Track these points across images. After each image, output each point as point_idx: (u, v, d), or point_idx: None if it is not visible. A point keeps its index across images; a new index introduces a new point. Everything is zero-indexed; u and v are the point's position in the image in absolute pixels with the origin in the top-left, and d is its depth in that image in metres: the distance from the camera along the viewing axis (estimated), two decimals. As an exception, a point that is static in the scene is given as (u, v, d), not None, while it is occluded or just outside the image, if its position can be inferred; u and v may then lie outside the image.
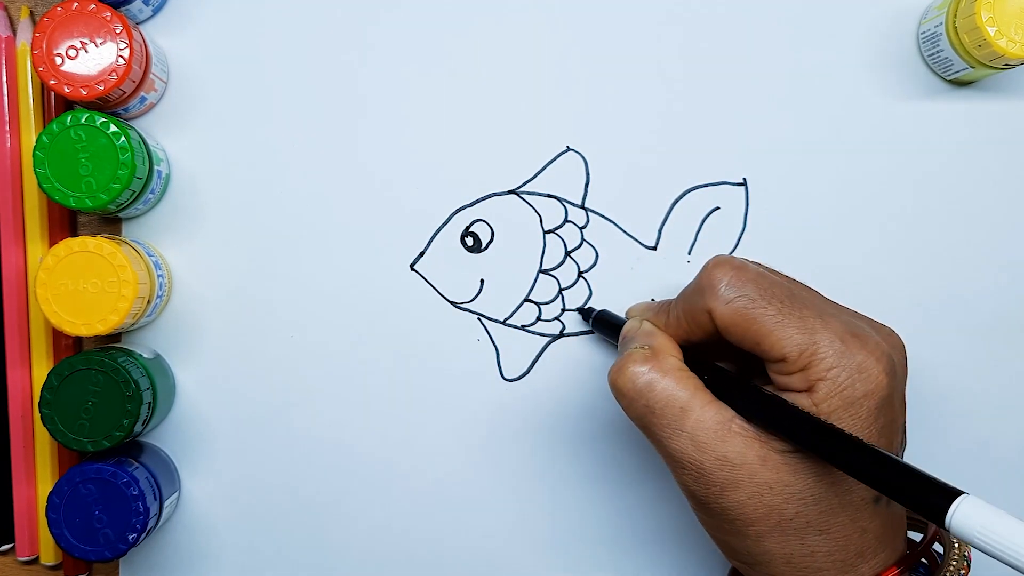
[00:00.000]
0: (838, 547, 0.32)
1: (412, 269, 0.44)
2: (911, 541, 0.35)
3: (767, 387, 0.33)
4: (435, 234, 0.44)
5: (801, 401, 0.32)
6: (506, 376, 0.44)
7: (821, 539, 0.32)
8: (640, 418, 0.34)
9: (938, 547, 0.35)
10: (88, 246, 0.39)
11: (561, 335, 0.44)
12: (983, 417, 0.44)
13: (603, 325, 0.42)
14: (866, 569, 0.32)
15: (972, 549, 0.33)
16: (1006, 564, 0.25)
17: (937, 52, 0.42)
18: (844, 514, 0.32)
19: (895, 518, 0.33)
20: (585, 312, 0.43)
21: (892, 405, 0.32)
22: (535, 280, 0.44)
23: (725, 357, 0.37)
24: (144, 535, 0.39)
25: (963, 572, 0.33)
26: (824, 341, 0.31)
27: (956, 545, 0.34)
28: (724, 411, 0.33)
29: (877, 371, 0.31)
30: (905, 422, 0.34)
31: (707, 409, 0.32)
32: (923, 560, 0.34)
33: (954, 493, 0.26)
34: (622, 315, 0.42)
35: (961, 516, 0.26)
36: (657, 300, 0.40)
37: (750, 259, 0.35)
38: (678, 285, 0.43)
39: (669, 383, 0.33)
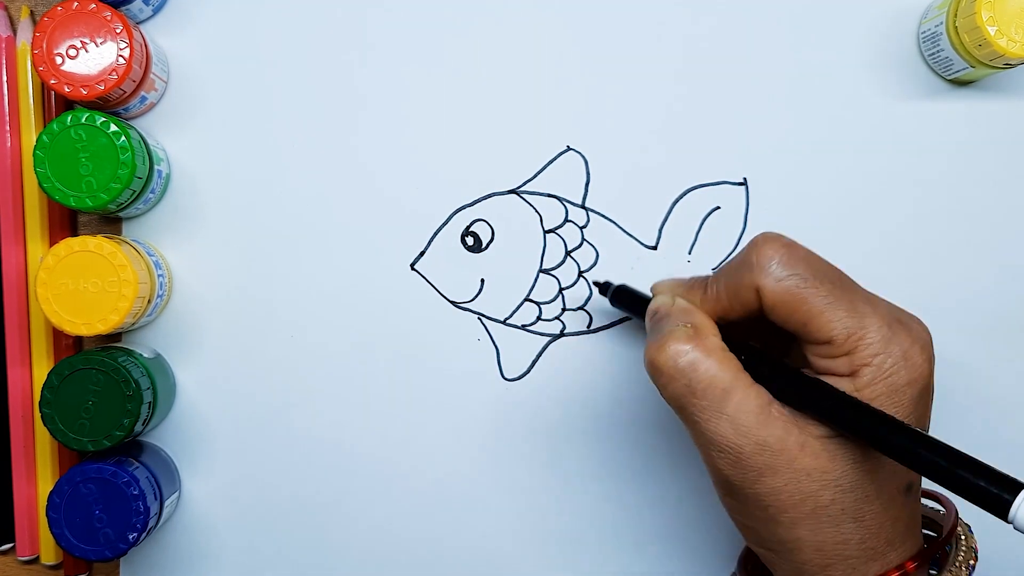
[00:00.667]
0: (870, 535, 0.31)
1: (412, 269, 0.44)
2: (926, 534, 0.35)
3: (805, 371, 0.33)
4: (435, 234, 0.44)
5: (843, 386, 0.31)
6: (506, 376, 0.44)
7: (854, 527, 0.31)
8: (679, 398, 0.33)
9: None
10: (88, 246, 0.39)
11: (561, 335, 0.44)
12: (983, 417, 0.44)
13: (624, 300, 0.40)
14: (893, 557, 0.32)
15: (977, 542, 0.34)
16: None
17: (937, 52, 0.42)
18: (879, 502, 0.31)
19: (918, 508, 0.33)
20: (603, 286, 0.42)
21: (928, 394, 0.32)
22: (535, 280, 0.44)
23: (755, 339, 0.36)
24: (144, 535, 0.39)
25: (972, 563, 0.33)
26: (872, 326, 0.31)
27: (964, 538, 0.34)
28: (764, 395, 0.32)
29: (921, 360, 0.31)
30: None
31: (749, 392, 0.32)
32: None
33: (1019, 486, 0.26)
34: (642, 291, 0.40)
35: None
36: (683, 277, 0.38)
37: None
38: (678, 285, 0.43)
39: (712, 364, 0.32)
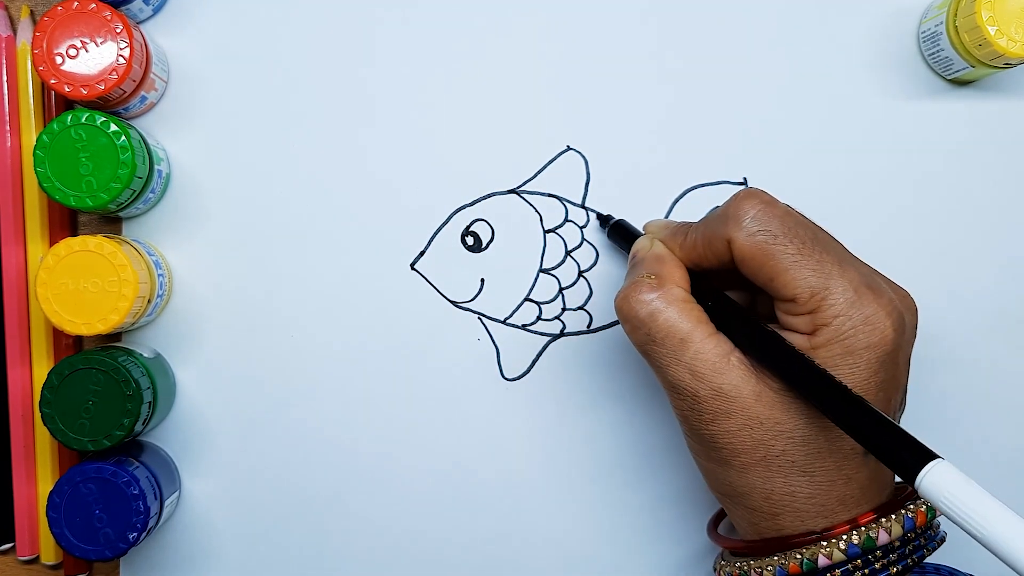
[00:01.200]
0: (820, 491, 0.32)
1: (412, 268, 0.44)
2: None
3: (772, 326, 0.33)
4: (435, 233, 0.44)
5: (801, 343, 0.32)
6: (506, 375, 0.44)
7: (804, 480, 0.32)
8: (641, 345, 0.34)
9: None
10: (88, 245, 0.39)
11: (561, 334, 0.44)
12: (983, 416, 0.44)
13: (619, 235, 0.42)
14: (845, 517, 0.32)
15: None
16: (967, 533, 0.26)
17: (937, 51, 0.42)
18: (831, 460, 0.32)
19: (883, 473, 0.33)
20: (603, 219, 0.43)
21: (896, 362, 0.32)
22: (535, 279, 0.44)
23: (734, 288, 0.37)
24: (144, 534, 0.39)
25: (921, 529, 0.33)
26: (837, 288, 0.31)
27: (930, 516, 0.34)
28: (724, 344, 0.33)
29: (885, 325, 0.31)
30: (907, 384, 0.34)
31: (707, 341, 0.33)
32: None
33: (929, 456, 0.27)
34: (640, 228, 0.41)
35: (932, 479, 0.26)
36: (673, 220, 0.39)
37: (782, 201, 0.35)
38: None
39: (672, 313, 0.33)
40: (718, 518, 0.40)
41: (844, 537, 0.32)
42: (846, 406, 0.29)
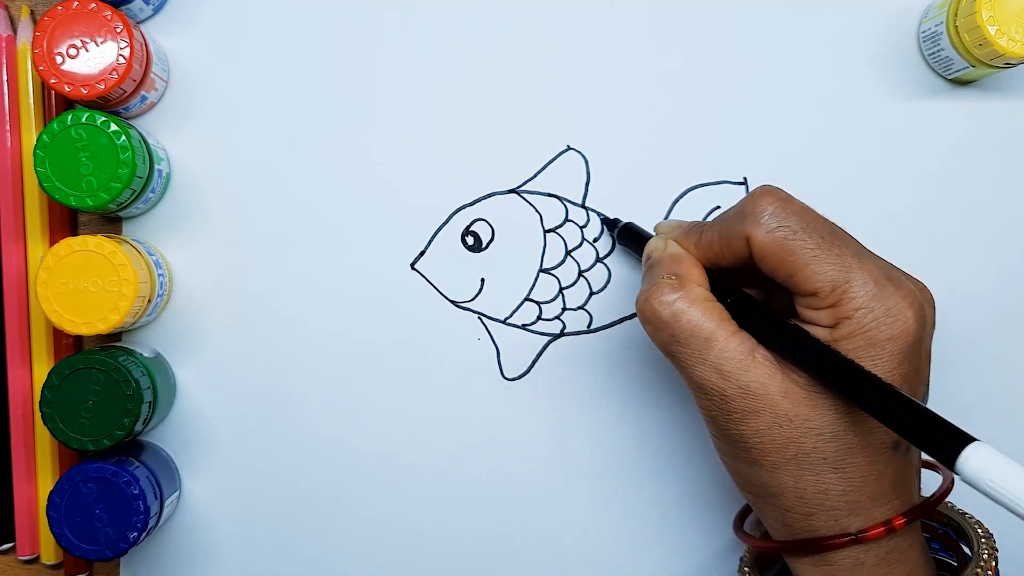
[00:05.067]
0: (852, 487, 0.32)
1: (412, 268, 0.44)
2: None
3: (791, 319, 0.33)
4: (435, 233, 0.44)
5: (824, 336, 0.32)
6: (506, 375, 0.44)
7: (836, 477, 0.32)
8: (665, 346, 0.34)
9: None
10: (89, 245, 0.39)
11: (561, 334, 0.44)
12: (983, 416, 0.44)
13: (629, 238, 0.41)
14: (877, 514, 0.32)
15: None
16: (1011, 511, 0.26)
17: (938, 51, 0.42)
18: (862, 455, 0.32)
19: (911, 468, 0.33)
20: (611, 223, 0.43)
21: (919, 353, 0.32)
22: (535, 279, 0.44)
23: (750, 285, 0.37)
24: (145, 534, 0.39)
25: (995, 564, 0.33)
26: (858, 280, 0.31)
27: (985, 539, 0.34)
28: (748, 341, 0.33)
29: (907, 317, 0.31)
30: (929, 376, 0.34)
31: (732, 339, 0.33)
32: (949, 555, 0.34)
33: (967, 439, 0.26)
34: (650, 230, 0.41)
35: (973, 461, 0.26)
36: (683, 220, 0.39)
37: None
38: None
39: (695, 313, 0.33)
40: (743, 515, 0.40)
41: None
42: (880, 395, 0.29)
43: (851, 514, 0.32)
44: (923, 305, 0.32)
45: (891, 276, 0.32)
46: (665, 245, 0.37)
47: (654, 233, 0.39)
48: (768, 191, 0.34)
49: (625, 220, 0.43)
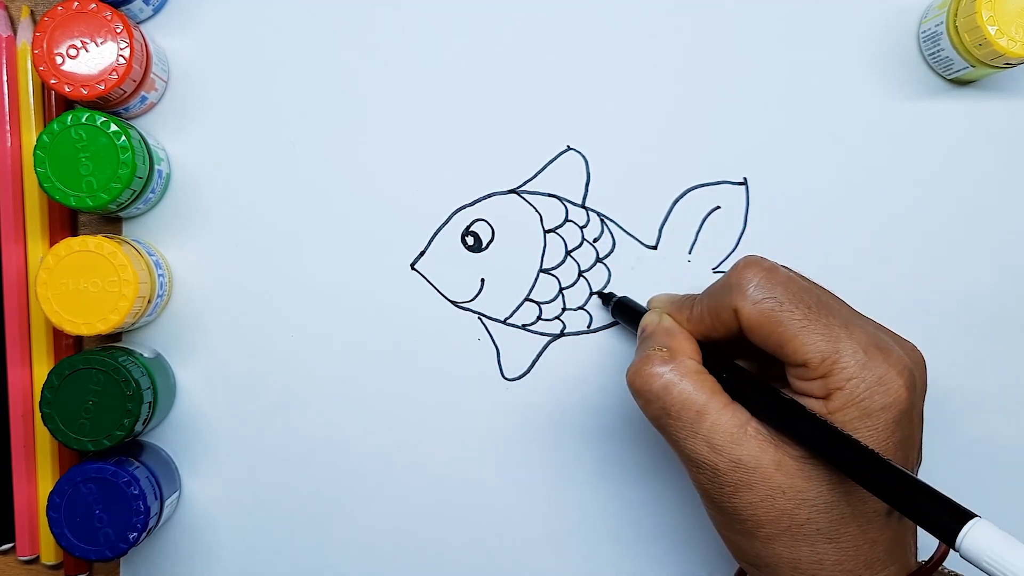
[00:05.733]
0: (847, 556, 0.32)
1: (413, 268, 0.44)
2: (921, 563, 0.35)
3: (785, 391, 0.33)
4: (435, 233, 0.44)
5: (818, 408, 0.32)
6: (506, 375, 0.44)
7: (830, 547, 0.32)
8: (656, 419, 0.34)
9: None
10: (89, 245, 0.39)
11: (561, 334, 0.44)
12: (983, 417, 0.44)
13: (623, 312, 0.42)
14: None
15: None
16: None
17: (938, 51, 0.42)
18: (855, 524, 0.31)
19: (906, 532, 0.33)
20: (605, 296, 0.43)
21: (911, 419, 0.32)
22: (535, 279, 0.44)
23: (745, 356, 0.37)
24: (145, 534, 0.39)
25: None
26: (847, 351, 0.31)
27: None
28: (740, 414, 0.33)
29: (898, 385, 0.31)
30: (921, 439, 0.34)
31: (723, 412, 0.32)
32: None
33: (967, 515, 0.26)
34: (644, 304, 0.41)
35: (973, 539, 0.26)
36: (679, 293, 0.39)
37: (780, 264, 0.35)
38: (678, 284, 0.43)
39: (687, 386, 0.33)
40: None
41: None
42: (877, 471, 0.29)
43: None
44: (912, 371, 0.32)
45: (879, 344, 0.32)
46: (659, 319, 0.37)
47: (648, 308, 0.39)
48: (752, 262, 0.33)
49: (620, 294, 0.43)
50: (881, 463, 0.29)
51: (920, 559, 0.34)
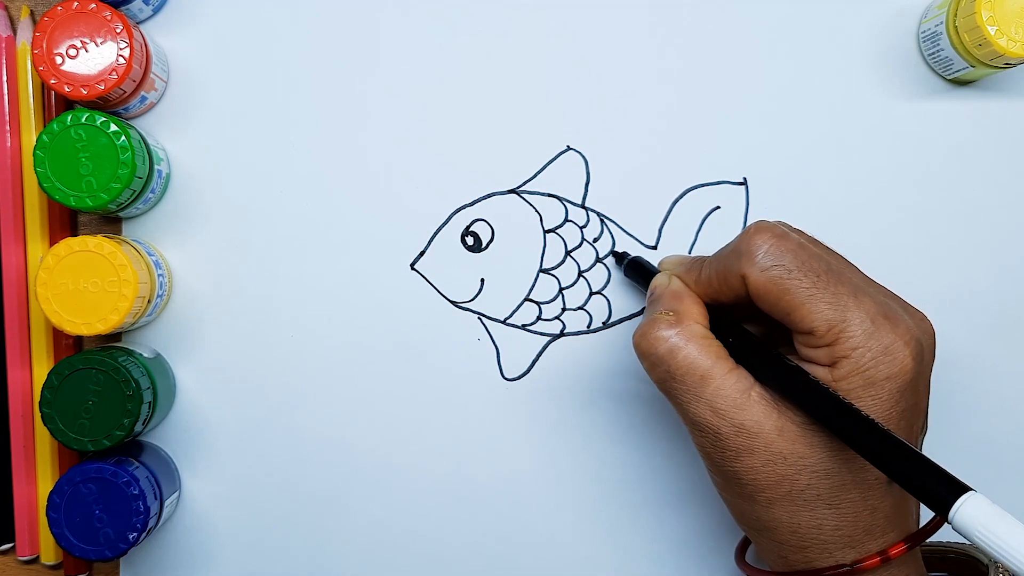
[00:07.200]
0: (846, 522, 0.32)
1: (412, 268, 0.44)
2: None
3: (791, 356, 0.33)
4: (435, 233, 0.44)
5: (823, 376, 0.32)
6: (506, 375, 0.44)
7: (830, 513, 0.32)
8: (661, 382, 0.34)
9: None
10: (88, 245, 0.39)
11: (561, 334, 0.44)
12: (983, 416, 0.44)
13: (635, 272, 0.42)
14: (872, 547, 0.32)
15: None
16: (1003, 566, 0.26)
17: (937, 51, 0.42)
18: (856, 491, 0.32)
19: (908, 501, 0.33)
20: (619, 256, 0.43)
21: (916, 389, 0.32)
22: (535, 279, 0.44)
23: (754, 320, 0.37)
24: (144, 535, 0.39)
25: None
26: (854, 320, 0.31)
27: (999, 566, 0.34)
28: (744, 379, 0.33)
29: (904, 355, 0.31)
30: (928, 406, 0.34)
31: (727, 377, 0.33)
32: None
33: (962, 488, 0.27)
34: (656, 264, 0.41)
35: (966, 512, 0.26)
36: (687, 256, 0.39)
37: (794, 228, 0.35)
38: (678, 284, 0.43)
39: (691, 350, 0.33)
40: (744, 546, 0.40)
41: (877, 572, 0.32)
42: (875, 440, 0.29)
43: (845, 547, 0.32)
44: (920, 341, 0.32)
45: (888, 313, 0.32)
46: (668, 281, 0.37)
47: (659, 269, 0.39)
48: (763, 227, 0.33)
49: (633, 254, 0.43)
50: (879, 432, 0.29)
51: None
